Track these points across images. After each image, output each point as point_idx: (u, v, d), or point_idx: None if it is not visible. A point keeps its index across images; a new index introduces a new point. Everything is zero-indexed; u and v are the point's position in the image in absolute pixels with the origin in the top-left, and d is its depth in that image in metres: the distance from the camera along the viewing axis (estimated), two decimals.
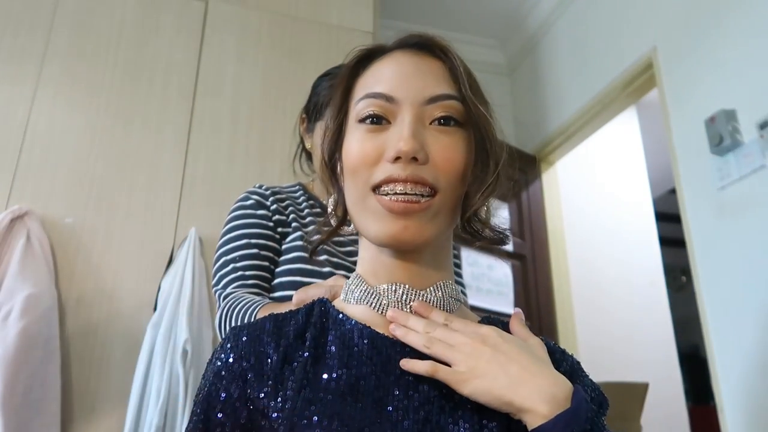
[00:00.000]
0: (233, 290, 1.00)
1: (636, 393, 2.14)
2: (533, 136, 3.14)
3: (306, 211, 1.11)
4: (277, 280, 1.04)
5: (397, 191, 0.54)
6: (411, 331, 0.55)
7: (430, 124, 0.57)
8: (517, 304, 2.72)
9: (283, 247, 1.06)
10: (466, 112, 0.57)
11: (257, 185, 1.12)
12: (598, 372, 2.67)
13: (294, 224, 1.07)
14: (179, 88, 2.05)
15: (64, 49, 1.98)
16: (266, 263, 1.04)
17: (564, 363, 0.60)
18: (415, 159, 0.54)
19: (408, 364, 0.53)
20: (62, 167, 1.86)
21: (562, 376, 0.51)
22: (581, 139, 2.92)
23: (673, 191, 2.31)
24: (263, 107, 2.11)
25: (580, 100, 2.77)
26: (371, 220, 0.56)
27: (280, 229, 1.06)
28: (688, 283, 4.14)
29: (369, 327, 0.57)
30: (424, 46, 0.61)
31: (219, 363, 0.55)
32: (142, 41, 2.08)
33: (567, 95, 2.91)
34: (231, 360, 0.54)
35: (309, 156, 1.19)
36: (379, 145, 0.56)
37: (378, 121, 0.57)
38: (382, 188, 0.55)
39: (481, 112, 0.57)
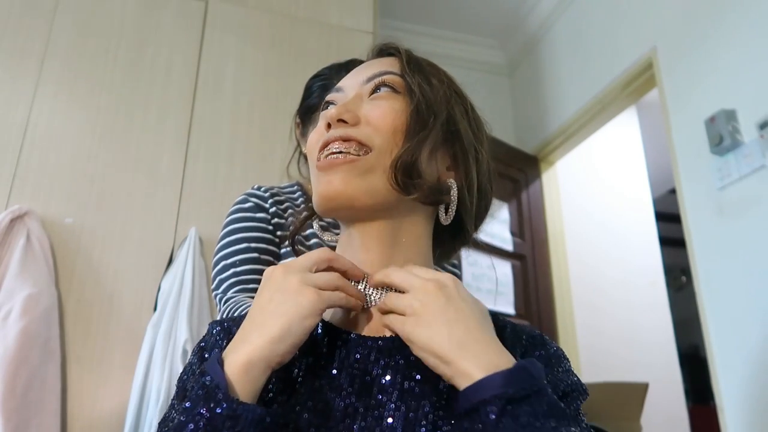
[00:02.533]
0: (233, 294, 1.00)
1: (636, 393, 2.14)
2: (533, 136, 3.14)
3: (304, 213, 1.11)
4: None
5: (325, 152, 0.57)
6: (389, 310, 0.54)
7: (370, 96, 0.60)
8: (517, 304, 2.72)
9: (282, 251, 1.05)
10: (405, 83, 0.60)
11: (255, 186, 1.12)
12: (597, 371, 2.68)
13: (292, 228, 1.07)
14: (179, 88, 2.05)
15: (64, 49, 1.98)
16: (266, 267, 1.04)
17: (542, 349, 0.58)
18: (343, 121, 0.57)
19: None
20: (62, 167, 1.86)
21: (506, 349, 0.49)
22: (581, 139, 2.92)
23: (673, 191, 2.31)
24: (263, 107, 2.11)
25: (580, 100, 2.77)
26: (315, 190, 0.58)
27: (279, 233, 1.05)
28: (688, 283, 4.14)
29: (329, 322, 0.57)
30: (380, 51, 0.67)
31: (201, 344, 0.59)
32: (142, 41, 2.08)
33: (567, 95, 2.91)
34: (209, 339, 0.59)
35: (306, 159, 1.19)
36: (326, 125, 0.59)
37: (328, 107, 0.63)
38: (320, 155, 0.58)
39: (416, 81, 0.60)
